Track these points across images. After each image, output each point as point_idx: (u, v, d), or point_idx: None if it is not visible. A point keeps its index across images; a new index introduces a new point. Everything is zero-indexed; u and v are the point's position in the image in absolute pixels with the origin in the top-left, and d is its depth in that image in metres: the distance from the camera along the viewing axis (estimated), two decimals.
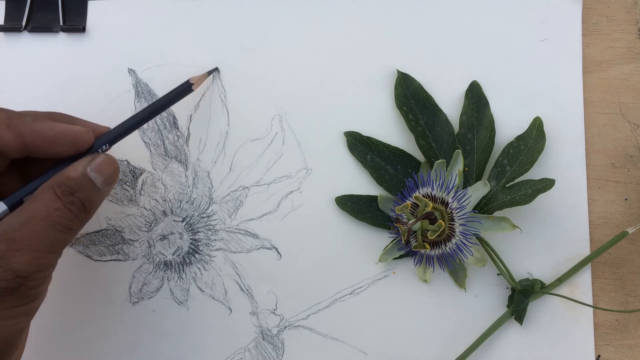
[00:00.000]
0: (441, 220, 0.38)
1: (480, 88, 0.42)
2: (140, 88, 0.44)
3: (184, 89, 0.41)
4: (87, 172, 0.34)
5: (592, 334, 0.41)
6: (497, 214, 0.40)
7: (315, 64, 0.44)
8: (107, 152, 0.37)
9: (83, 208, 0.34)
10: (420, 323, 0.42)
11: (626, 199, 0.42)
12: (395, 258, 0.42)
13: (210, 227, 0.44)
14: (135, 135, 0.44)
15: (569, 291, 0.42)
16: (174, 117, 0.44)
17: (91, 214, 0.36)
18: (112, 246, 0.44)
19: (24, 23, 0.45)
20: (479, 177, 0.41)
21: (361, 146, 0.43)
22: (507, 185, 0.40)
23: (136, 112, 0.40)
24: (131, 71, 0.45)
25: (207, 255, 0.43)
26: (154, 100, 0.44)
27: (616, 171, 0.43)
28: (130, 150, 0.44)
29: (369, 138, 0.42)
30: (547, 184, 0.39)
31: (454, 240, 0.39)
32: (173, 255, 0.44)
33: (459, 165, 0.40)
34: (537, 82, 0.43)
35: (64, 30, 0.45)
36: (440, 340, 0.42)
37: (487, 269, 0.42)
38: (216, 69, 0.44)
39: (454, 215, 0.39)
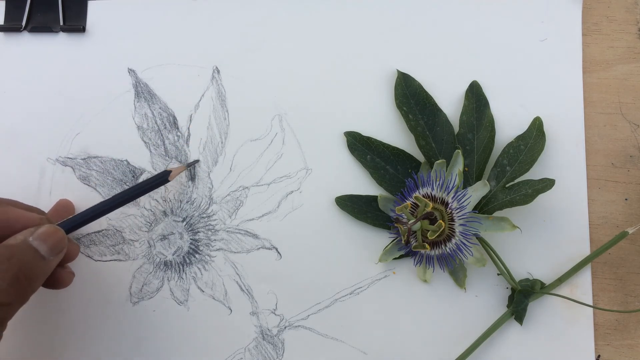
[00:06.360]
0: (441, 221, 0.38)
1: (480, 88, 0.42)
2: (140, 88, 0.44)
3: (161, 179, 0.41)
4: (29, 240, 0.33)
5: (592, 334, 0.41)
6: (497, 214, 0.40)
7: (315, 63, 0.44)
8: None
9: (20, 278, 0.32)
10: (420, 323, 0.42)
11: (626, 199, 0.42)
12: (395, 258, 0.42)
13: (210, 227, 0.44)
14: (135, 135, 0.44)
15: (569, 291, 0.42)
16: (174, 117, 0.44)
17: (33, 285, 0.33)
18: (113, 246, 0.44)
19: (24, 23, 0.45)
20: (479, 177, 0.41)
21: (361, 146, 0.43)
22: (507, 185, 0.40)
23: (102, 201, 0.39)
24: (131, 71, 0.45)
25: (207, 255, 0.43)
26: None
27: (616, 171, 0.43)
28: (130, 150, 0.44)
29: (369, 138, 0.42)
30: (547, 184, 0.39)
31: (454, 241, 0.39)
32: (173, 255, 0.44)
33: (459, 165, 0.40)
34: (537, 82, 0.43)
35: (64, 30, 0.45)
36: (440, 340, 0.42)
37: (487, 269, 0.41)
38: (197, 161, 0.43)
39: (454, 215, 0.39)
